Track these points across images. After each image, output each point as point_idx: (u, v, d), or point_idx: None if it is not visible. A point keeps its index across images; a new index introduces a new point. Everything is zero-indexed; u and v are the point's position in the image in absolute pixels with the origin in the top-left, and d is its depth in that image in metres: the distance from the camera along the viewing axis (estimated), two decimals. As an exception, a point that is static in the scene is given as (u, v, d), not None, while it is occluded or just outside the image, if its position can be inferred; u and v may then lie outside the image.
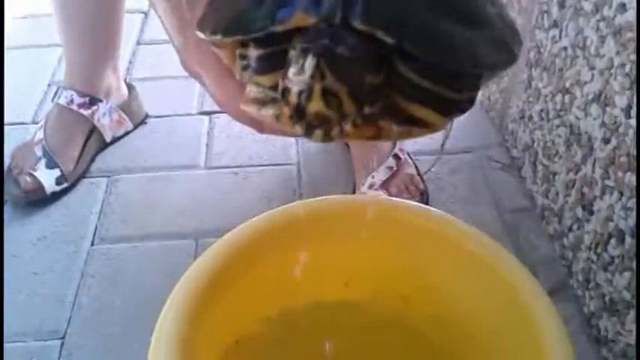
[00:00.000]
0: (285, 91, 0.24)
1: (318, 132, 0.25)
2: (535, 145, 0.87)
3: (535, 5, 0.85)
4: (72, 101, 0.97)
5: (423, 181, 0.91)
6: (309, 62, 0.23)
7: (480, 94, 1.10)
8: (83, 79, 0.97)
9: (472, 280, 0.52)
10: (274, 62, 0.26)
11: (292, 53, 0.24)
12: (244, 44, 0.28)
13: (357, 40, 0.24)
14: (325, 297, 0.59)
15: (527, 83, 0.88)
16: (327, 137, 0.26)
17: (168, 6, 0.32)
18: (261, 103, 0.28)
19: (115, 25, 0.97)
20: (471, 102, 0.29)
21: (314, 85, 0.23)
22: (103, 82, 0.99)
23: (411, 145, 0.95)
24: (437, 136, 0.97)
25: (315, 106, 0.24)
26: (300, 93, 0.24)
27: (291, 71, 0.24)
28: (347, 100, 0.24)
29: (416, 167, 0.92)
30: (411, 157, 0.93)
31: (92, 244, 0.86)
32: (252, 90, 0.29)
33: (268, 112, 0.27)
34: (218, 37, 0.27)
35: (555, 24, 0.79)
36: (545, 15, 0.82)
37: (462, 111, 0.29)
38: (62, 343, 0.73)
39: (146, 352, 0.41)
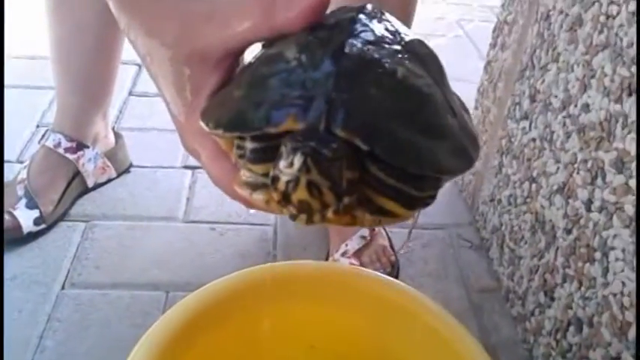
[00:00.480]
0: (275, 179, 0.29)
1: (302, 216, 0.30)
2: (503, 228, 0.91)
3: (509, 96, 0.91)
4: (59, 144, 0.99)
5: (394, 253, 0.94)
6: (298, 159, 0.27)
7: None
8: (73, 124, 1.00)
9: (430, 353, 0.54)
10: (267, 155, 0.30)
11: (283, 149, 0.28)
12: (241, 138, 0.32)
13: (338, 143, 0.28)
14: (291, 358, 0.60)
15: (498, 169, 0.93)
16: (309, 221, 0.30)
17: (174, 91, 0.35)
18: (253, 187, 0.32)
19: (109, 74, 1.01)
20: (432, 197, 0.33)
21: (301, 178, 0.28)
22: (91, 128, 1.02)
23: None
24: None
25: (301, 195, 0.28)
26: (288, 182, 0.28)
27: (282, 164, 0.28)
28: (327, 193, 0.28)
29: (389, 239, 0.95)
30: (384, 229, 0.96)
31: (63, 287, 0.86)
32: (244, 174, 0.33)
33: (259, 197, 0.31)
34: (220, 131, 0.32)
35: (526, 116, 0.84)
36: (517, 107, 0.87)
37: (426, 205, 0.33)
38: (21, 387, 0.73)
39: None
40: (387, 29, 0.33)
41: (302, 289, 0.58)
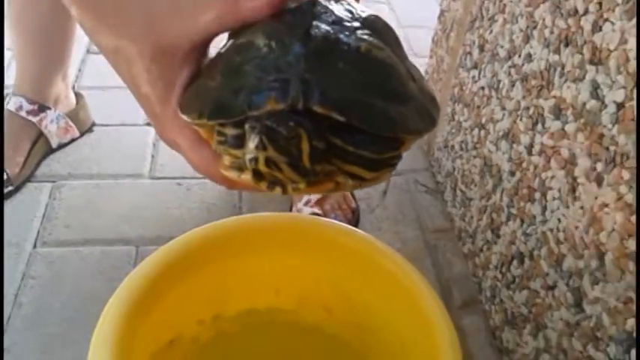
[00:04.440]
0: (244, 158, 0.32)
1: (278, 188, 0.33)
2: (455, 172, 0.96)
3: (460, 46, 0.94)
4: (21, 107, 0.99)
5: (355, 200, 0.99)
6: (254, 138, 0.31)
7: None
8: (33, 86, 1.00)
9: (385, 293, 0.59)
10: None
11: (246, 130, 0.32)
12: (222, 125, 0.35)
13: (296, 120, 0.31)
14: (256, 304, 0.65)
15: (451, 116, 0.97)
16: (285, 192, 0.33)
17: (148, 87, 0.36)
18: (238, 169, 0.35)
19: (67, 36, 1.00)
20: (397, 158, 0.36)
21: (259, 155, 0.31)
22: (52, 90, 1.02)
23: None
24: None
25: (263, 170, 0.32)
26: (250, 160, 0.32)
27: (248, 143, 0.32)
28: (285, 168, 0.32)
29: (349, 187, 0.99)
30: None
31: (34, 246, 0.89)
32: (226, 159, 0.36)
33: (247, 177, 0.34)
34: (204, 121, 0.34)
35: (475, 65, 0.88)
36: (468, 56, 0.91)
37: (390, 165, 0.36)
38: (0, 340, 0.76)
39: (84, 352, 0.45)
40: (344, 8, 0.36)
41: (266, 240, 0.62)
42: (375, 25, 0.36)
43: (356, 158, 0.34)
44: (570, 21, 0.65)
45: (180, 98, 0.36)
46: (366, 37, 0.34)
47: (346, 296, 0.63)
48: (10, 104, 0.99)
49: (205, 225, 0.62)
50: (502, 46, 0.81)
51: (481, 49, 0.87)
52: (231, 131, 0.34)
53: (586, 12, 0.62)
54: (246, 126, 0.31)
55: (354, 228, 0.63)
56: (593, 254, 0.61)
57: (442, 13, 1.04)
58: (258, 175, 0.32)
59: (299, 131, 0.31)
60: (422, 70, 1.11)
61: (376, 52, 0.34)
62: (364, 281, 0.61)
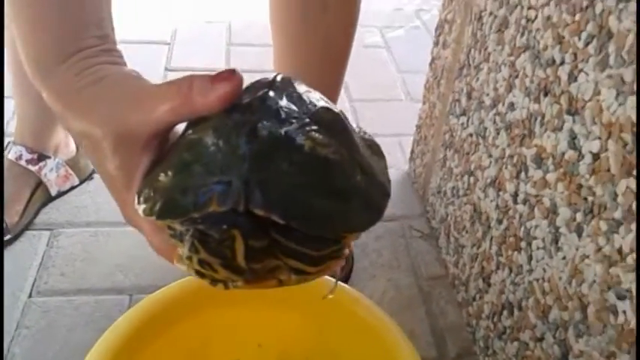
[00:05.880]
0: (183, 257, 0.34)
1: (220, 285, 0.34)
2: (449, 218, 0.96)
3: (450, 93, 0.95)
4: (20, 157, 1.01)
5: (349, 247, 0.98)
6: (187, 241, 0.33)
7: (407, 167, 1.18)
8: (33, 136, 1.03)
9: (365, 347, 0.59)
10: None
11: (182, 231, 0.34)
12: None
13: (230, 223, 0.32)
14: (240, 357, 0.65)
15: (443, 162, 0.97)
16: (227, 288, 0.34)
17: (112, 169, 0.38)
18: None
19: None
20: (339, 250, 0.36)
21: (192, 257, 0.32)
22: (52, 139, 1.05)
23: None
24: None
25: (198, 269, 0.33)
26: (186, 259, 0.33)
27: (184, 244, 0.33)
28: (220, 268, 0.33)
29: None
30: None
31: (30, 295, 0.90)
32: (179, 250, 0.37)
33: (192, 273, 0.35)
34: (153, 218, 0.35)
35: (464, 112, 0.89)
36: (457, 103, 0.92)
37: (333, 259, 0.36)
38: (-10, 394, 0.76)
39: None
40: (294, 103, 0.37)
41: (250, 293, 0.62)
42: (323, 117, 0.37)
43: (298, 254, 0.35)
44: (549, 71, 0.66)
45: (139, 186, 0.37)
46: (312, 133, 0.35)
47: (327, 350, 0.62)
48: (10, 153, 1.01)
49: (189, 277, 0.62)
50: (487, 94, 0.81)
51: (469, 96, 0.88)
52: (179, 227, 0.35)
53: (562, 62, 0.63)
54: (182, 228, 0.33)
55: (335, 280, 0.63)
56: (576, 306, 0.60)
57: (433, 60, 1.06)
58: (198, 273, 0.33)
59: (232, 233, 0.32)
60: (416, 116, 1.13)
61: (320, 150, 0.35)
62: (346, 335, 0.61)
